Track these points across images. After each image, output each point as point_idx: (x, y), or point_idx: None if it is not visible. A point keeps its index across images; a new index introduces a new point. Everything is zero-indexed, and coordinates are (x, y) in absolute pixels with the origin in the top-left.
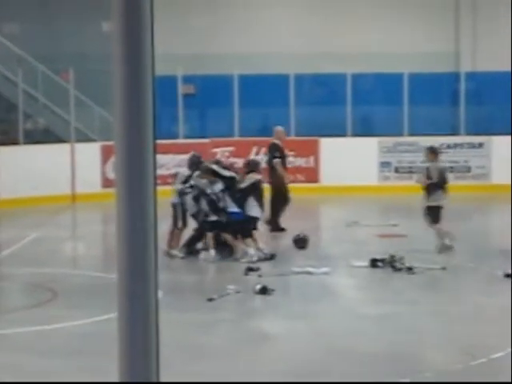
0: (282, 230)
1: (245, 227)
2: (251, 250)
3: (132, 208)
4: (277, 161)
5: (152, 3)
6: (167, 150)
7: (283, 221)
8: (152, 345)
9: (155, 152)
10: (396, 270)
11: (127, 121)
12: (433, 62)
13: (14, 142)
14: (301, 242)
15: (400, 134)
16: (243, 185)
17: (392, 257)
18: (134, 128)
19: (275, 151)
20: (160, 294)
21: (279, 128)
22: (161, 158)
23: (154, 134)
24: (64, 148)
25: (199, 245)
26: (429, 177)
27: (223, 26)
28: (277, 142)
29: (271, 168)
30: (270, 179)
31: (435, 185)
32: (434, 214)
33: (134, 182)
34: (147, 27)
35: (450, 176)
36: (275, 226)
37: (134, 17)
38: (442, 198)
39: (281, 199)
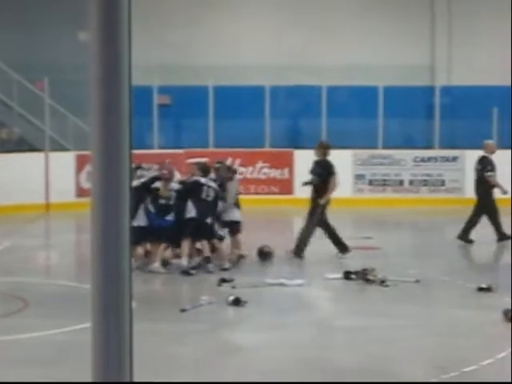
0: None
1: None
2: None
3: (107, 218)
4: (490, 174)
5: (130, 13)
6: (141, 160)
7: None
8: (126, 355)
9: (131, 162)
10: (369, 282)
11: (103, 130)
12: (408, 75)
13: None
14: (263, 255)
15: (374, 147)
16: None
17: (365, 269)
18: (110, 138)
19: (487, 164)
20: (134, 304)
21: (490, 142)
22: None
23: (131, 143)
24: (38, 157)
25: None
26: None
27: (199, 37)
28: (487, 155)
29: (480, 180)
30: (478, 191)
31: None
32: None
33: (109, 191)
34: (124, 37)
35: (423, 189)
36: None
37: (111, 27)
38: None
39: (490, 210)
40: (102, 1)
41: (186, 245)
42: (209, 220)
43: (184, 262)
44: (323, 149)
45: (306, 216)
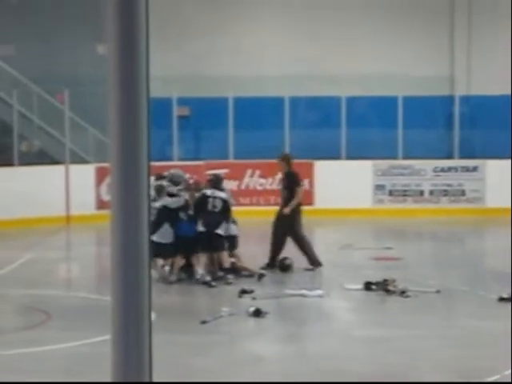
0: None
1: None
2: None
3: (127, 229)
4: None
5: (147, 25)
6: (161, 172)
7: None
8: (145, 367)
9: (149, 174)
10: (390, 293)
11: (122, 143)
12: (427, 85)
13: (9, 164)
14: (284, 267)
15: (394, 157)
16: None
17: (386, 280)
18: (128, 150)
19: None
20: (153, 316)
21: None
22: None
23: (149, 156)
24: (58, 169)
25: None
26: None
27: (219, 48)
28: None
29: None
30: None
31: None
32: None
33: (129, 203)
34: (142, 49)
35: (444, 199)
36: None
37: (129, 39)
38: None
39: None
40: (120, 13)
41: (200, 257)
42: (219, 231)
43: (200, 271)
44: (287, 160)
45: (290, 233)
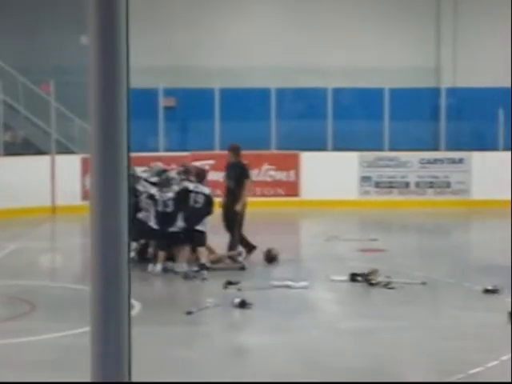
0: None
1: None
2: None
3: (106, 220)
4: None
5: (127, 16)
6: (147, 163)
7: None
8: (124, 357)
9: (130, 164)
10: (375, 284)
11: (102, 133)
12: (413, 77)
13: None
14: (269, 258)
15: (380, 149)
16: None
17: (371, 271)
18: (108, 140)
19: None
20: (138, 307)
21: None
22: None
23: (129, 146)
24: (44, 160)
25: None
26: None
27: (205, 39)
28: None
29: None
30: None
31: None
32: None
33: (108, 193)
34: (122, 40)
35: (429, 191)
36: None
37: (109, 30)
38: None
39: None
40: (100, 5)
41: (182, 250)
42: (199, 227)
43: (185, 267)
44: (235, 151)
45: (225, 223)
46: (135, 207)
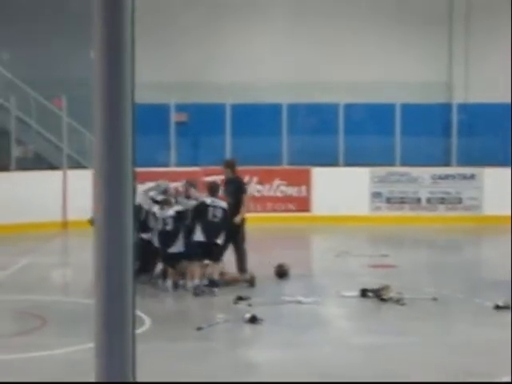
0: None
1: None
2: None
3: (111, 235)
4: None
5: (133, 30)
6: (159, 178)
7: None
8: (128, 370)
9: (135, 179)
10: (386, 300)
11: (107, 148)
12: (425, 92)
13: (6, 169)
14: (280, 273)
15: (392, 164)
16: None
17: (382, 287)
18: (113, 155)
19: None
20: (149, 323)
21: None
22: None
23: (134, 161)
24: (56, 175)
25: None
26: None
27: (217, 54)
28: None
29: None
30: None
31: None
32: None
33: (112, 209)
34: (127, 53)
35: (441, 207)
36: None
37: (113, 44)
38: None
39: None
40: (105, 20)
41: (195, 267)
42: (218, 241)
43: (190, 284)
44: (231, 167)
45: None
46: (143, 226)
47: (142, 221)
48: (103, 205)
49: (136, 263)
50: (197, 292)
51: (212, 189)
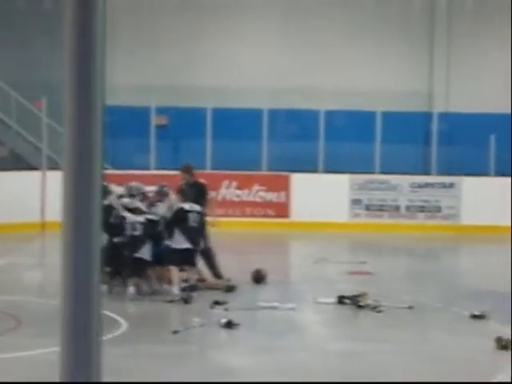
0: None
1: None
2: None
3: (78, 235)
4: None
5: (104, 32)
6: (137, 181)
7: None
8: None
9: (103, 180)
10: (363, 307)
11: (75, 150)
12: (406, 101)
13: None
14: (257, 279)
15: (371, 172)
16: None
17: (359, 294)
18: (82, 157)
19: None
20: (125, 326)
21: None
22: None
23: (102, 163)
24: (35, 175)
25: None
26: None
27: (198, 58)
28: None
29: None
30: None
31: None
32: None
33: (80, 210)
34: (97, 55)
35: (420, 215)
36: None
37: (84, 46)
38: None
39: None
40: (75, 21)
41: (175, 273)
42: (201, 246)
43: (175, 290)
44: (188, 171)
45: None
46: (115, 230)
47: (114, 224)
48: (71, 205)
49: (108, 266)
50: (185, 298)
51: (184, 193)
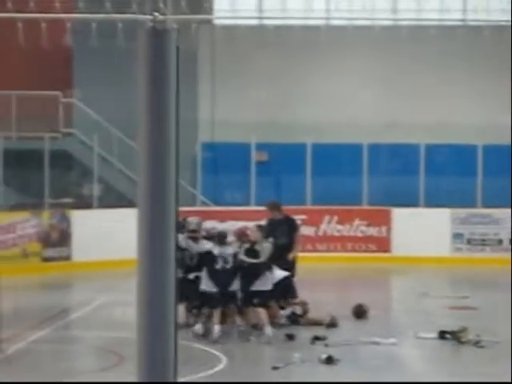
0: None
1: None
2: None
3: (153, 272)
4: None
5: (177, 71)
6: (239, 217)
7: None
8: None
9: (177, 216)
10: (464, 342)
11: (150, 188)
12: (507, 133)
13: (88, 206)
14: (358, 314)
15: (473, 206)
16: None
17: (461, 329)
18: (157, 195)
19: None
20: (224, 361)
21: None
22: (234, 225)
23: (177, 200)
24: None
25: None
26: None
27: (298, 94)
28: None
29: None
30: None
31: None
32: None
33: (155, 248)
34: (171, 95)
35: None
36: None
37: (157, 85)
38: None
39: None
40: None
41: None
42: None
43: (268, 331)
44: (278, 208)
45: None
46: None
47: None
48: (146, 242)
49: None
50: (289, 334)
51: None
